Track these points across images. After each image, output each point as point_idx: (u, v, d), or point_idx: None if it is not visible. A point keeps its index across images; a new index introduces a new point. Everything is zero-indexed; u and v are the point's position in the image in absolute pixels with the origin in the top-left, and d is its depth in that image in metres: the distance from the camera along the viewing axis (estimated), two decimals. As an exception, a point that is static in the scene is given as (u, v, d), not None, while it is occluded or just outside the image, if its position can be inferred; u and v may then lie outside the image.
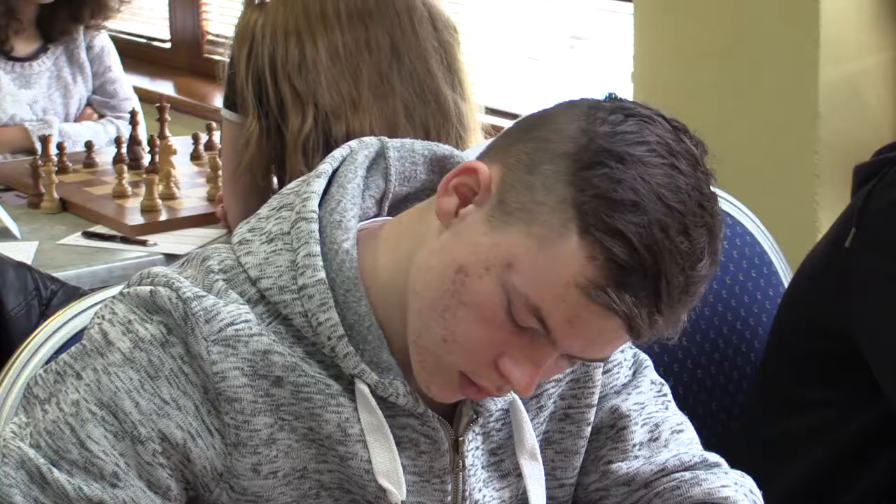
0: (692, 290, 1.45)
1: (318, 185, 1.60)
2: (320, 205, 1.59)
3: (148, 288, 1.52)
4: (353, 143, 1.68)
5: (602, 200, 1.40)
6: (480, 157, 1.56)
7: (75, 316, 1.99)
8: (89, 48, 4.13)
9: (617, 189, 1.39)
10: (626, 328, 1.41)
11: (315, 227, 1.55)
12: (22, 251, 3.13)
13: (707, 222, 1.45)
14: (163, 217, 3.48)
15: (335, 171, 1.63)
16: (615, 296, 1.39)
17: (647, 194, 1.41)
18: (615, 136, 1.44)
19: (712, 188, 1.48)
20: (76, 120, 4.09)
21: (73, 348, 1.62)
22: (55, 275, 2.75)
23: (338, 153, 1.66)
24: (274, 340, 1.50)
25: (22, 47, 4.06)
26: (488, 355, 1.47)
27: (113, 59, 4.21)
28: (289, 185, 1.66)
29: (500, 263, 1.45)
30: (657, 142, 1.46)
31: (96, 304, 1.89)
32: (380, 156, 1.63)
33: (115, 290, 1.71)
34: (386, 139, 1.67)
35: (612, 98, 1.54)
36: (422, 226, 1.55)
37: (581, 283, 1.39)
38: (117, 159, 3.67)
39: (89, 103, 4.15)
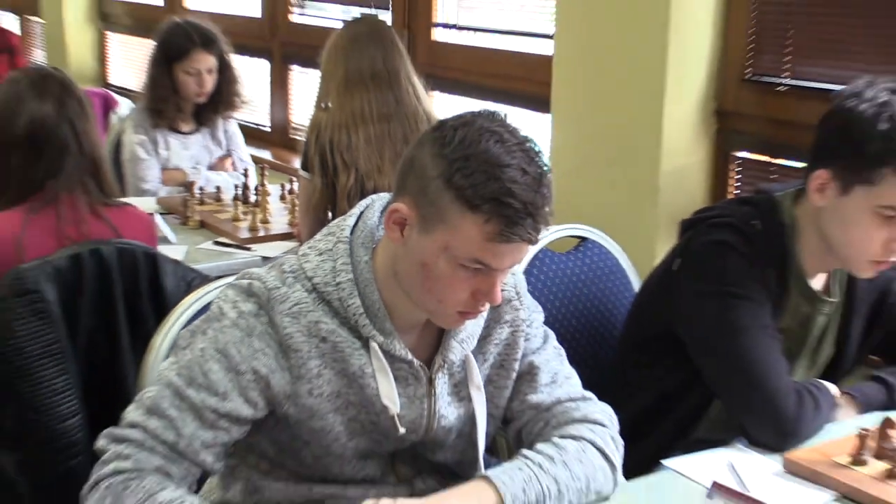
0: (546, 201, 1.86)
1: (351, 220, 2.05)
2: (351, 233, 2.03)
3: (247, 281, 1.98)
4: (373, 196, 2.12)
5: (472, 184, 1.82)
6: (393, 200, 1.97)
7: (205, 295, 2.39)
8: (224, 130, 4.80)
9: (475, 172, 1.82)
10: (528, 241, 1.85)
11: (347, 247, 2.00)
12: (176, 252, 3.54)
13: (531, 153, 1.87)
14: (261, 234, 4.12)
15: (361, 213, 2.07)
16: (509, 232, 1.83)
17: (492, 164, 1.82)
18: (454, 144, 1.85)
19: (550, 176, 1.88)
20: (213, 169, 4.75)
21: (202, 316, 2.04)
22: (195, 267, 3.12)
23: (364, 202, 2.10)
24: (321, 315, 1.95)
25: (184, 126, 4.71)
26: (466, 295, 1.91)
27: (238, 136, 4.87)
28: (334, 221, 2.08)
29: (442, 249, 1.88)
30: (479, 131, 1.86)
31: (217, 288, 2.30)
32: (384, 209, 2.05)
33: (228, 280, 2.11)
34: (390, 196, 2.05)
35: (442, 123, 1.92)
36: (391, 246, 1.98)
37: (489, 235, 1.82)
38: (235, 198, 4.29)
39: (225, 158, 4.84)
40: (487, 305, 2.02)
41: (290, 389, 1.98)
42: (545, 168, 1.88)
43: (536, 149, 1.90)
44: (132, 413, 1.96)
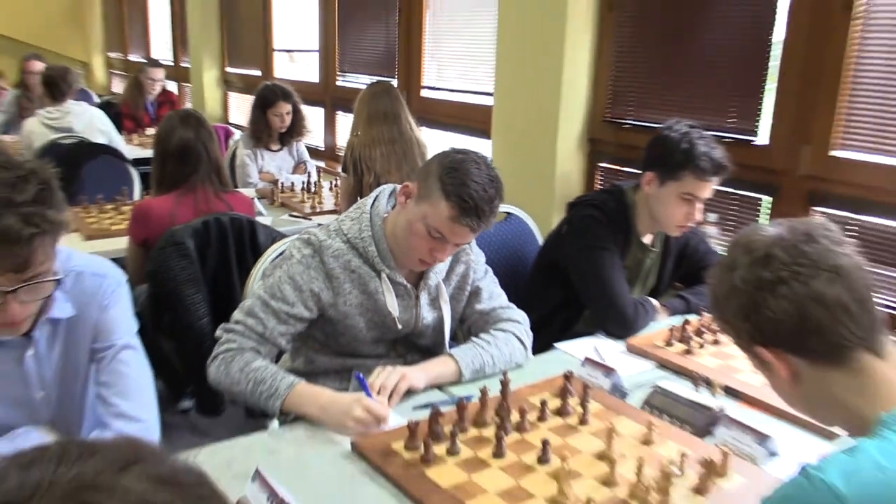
0: (493, 210, 1.84)
1: (370, 200, 2.04)
2: (371, 207, 2.02)
3: (307, 236, 1.99)
4: (384, 186, 2.12)
5: (451, 185, 1.81)
6: (409, 181, 1.94)
7: (281, 245, 2.40)
8: (297, 149, 4.75)
9: (455, 180, 1.81)
10: (471, 230, 1.84)
11: (368, 216, 2.00)
12: (266, 220, 3.47)
13: (494, 183, 1.85)
14: (317, 211, 3.94)
15: (377, 196, 2.06)
16: (461, 219, 1.82)
17: (467, 179, 1.82)
18: (452, 161, 1.85)
19: (503, 199, 1.86)
20: (292, 173, 4.72)
21: (280, 257, 2.06)
22: (278, 230, 3.10)
23: (378, 190, 2.10)
24: (352, 257, 1.96)
25: (273, 146, 4.66)
26: (427, 250, 1.89)
27: (305, 153, 4.82)
28: (360, 200, 2.09)
29: (422, 216, 1.87)
30: (470, 160, 1.85)
31: (289, 240, 2.31)
32: (392, 192, 2.07)
33: (296, 237, 2.08)
34: (396, 186, 2.05)
35: (453, 149, 1.91)
36: (394, 213, 1.99)
37: (450, 217, 1.82)
38: (303, 189, 4.19)
39: (298, 166, 4.77)
40: (438, 280, 2.05)
41: (332, 301, 1.99)
42: (498, 190, 1.86)
43: (498, 178, 1.88)
44: (237, 315, 1.97)
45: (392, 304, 2.02)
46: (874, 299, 1.13)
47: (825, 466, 0.99)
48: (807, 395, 1.16)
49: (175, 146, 3.04)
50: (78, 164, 4.30)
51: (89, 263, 1.73)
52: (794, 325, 1.11)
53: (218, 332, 1.97)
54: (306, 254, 1.98)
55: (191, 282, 2.80)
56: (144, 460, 0.66)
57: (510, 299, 2.26)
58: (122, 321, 1.74)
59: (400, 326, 2.05)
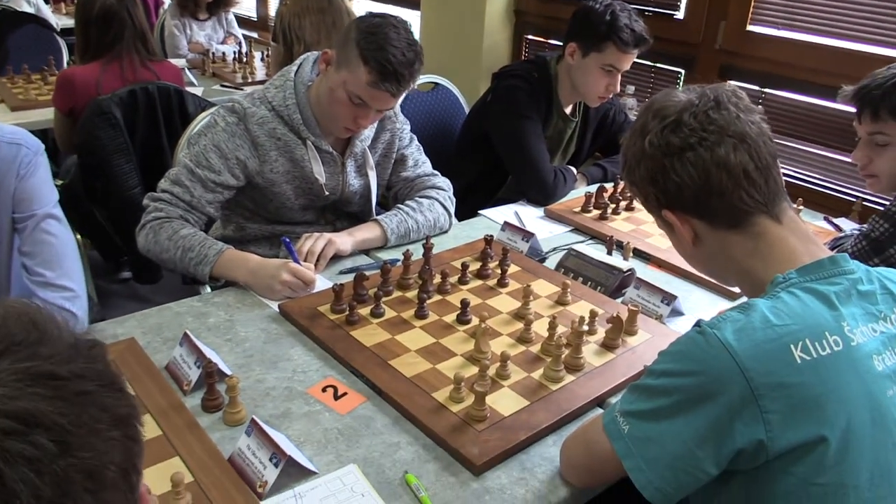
0: (412, 74, 1.76)
1: (295, 67, 1.93)
2: (295, 75, 1.91)
3: (231, 104, 1.88)
4: (308, 54, 1.99)
5: (369, 50, 1.72)
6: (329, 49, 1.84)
7: (210, 114, 2.26)
8: (226, 19, 4.45)
9: (373, 45, 1.72)
10: (391, 95, 1.76)
11: (292, 83, 1.89)
12: (197, 90, 3.35)
13: (413, 47, 1.74)
14: (248, 80, 3.75)
15: (301, 63, 1.95)
16: (380, 84, 1.73)
17: (385, 44, 1.72)
18: (370, 26, 1.75)
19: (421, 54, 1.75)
20: (221, 43, 4.41)
21: (202, 125, 2.00)
22: (209, 100, 2.93)
23: (303, 57, 1.98)
24: (277, 124, 1.87)
25: (201, 16, 4.34)
26: (351, 117, 1.82)
27: (234, 22, 4.53)
28: (285, 67, 1.97)
29: (342, 82, 1.78)
30: (388, 24, 1.75)
31: (214, 110, 2.17)
32: (316, 59, 1.94)
33: (220, 106, 2.00)
34: (318, 53, 1.93)
35: (370, 13, 1.80)
36: (317, 80, 1.88)
37: (369, 82, 1.74)
38: (234, 59, 3.97)
39: (227, 37, 4.45)
40: (363, 147, 2.00)
41: (259, 169, 1.92)
42: (417, 54, 1.78)
43: (417, 44, 1.80)
44: (163, 184, 1.90)
45: (318, 172, 1.96)
46: (777, 167, 1.11)
47: (718, 323, 0.99)
48: (707, 256, 1.15)
49: (98, 12, 2.83)
50: (3, 33, 4.04)
51: (3, 132, 1.58)
52: (698, 189, 1.08)
53: (145, 202, 1.89)
54: (231, 121, 1.88)
55: (120, 152, 2.68)
56: (16, 351, 0.57)
57: (436, 168, 2.22)
58: (42, 190, 1.62)
59: (327, 193, 2.00)
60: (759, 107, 1.14)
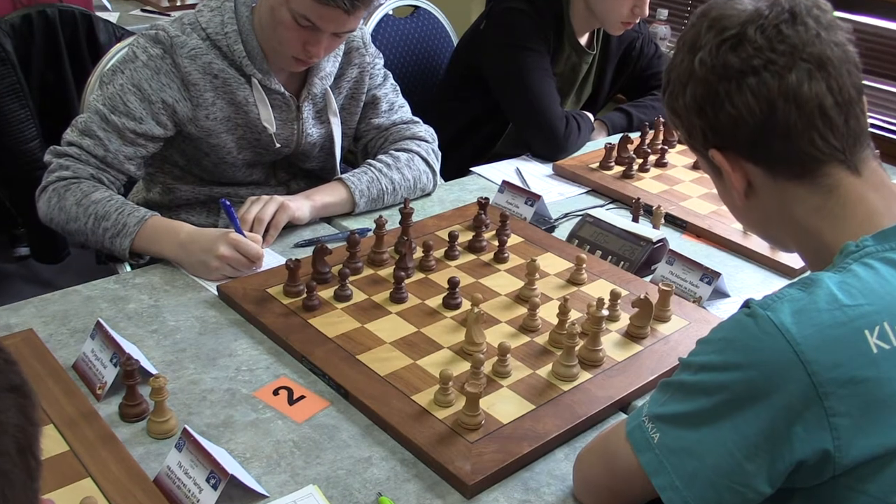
0: None
1: None
2: None
3: (154, 31, 1.87)
4: None
5: None
6: None
7: (127, 45, 2.22)
8: None
9: None
10: (343, 12, 1.72)
11: (232, 4, 1.88)
12: (111, 17, 3.32)
13: None
14: (177, 3, 3.71)
15: None
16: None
17: None
18: None
19: None
20: None
21: (119, 59, 1.97)
22: (127, 28, 2.93)
23: None
24: (213, 57, 1.86)
25: None
26: (299, 45, 1.80)
27: None
28: None
29: (284, 1, 1.75)
30: None
31: (134, 37, 2.17)
32: None
33: (140, 34, 1.96)
34: None
35: None
36: (261, 0, 1.85)
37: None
38: None
39: None
40: (325, 87, 2.00)
41: (191, 114, 1.91)
42: None
43: None
44: (69, 134, 1.89)
45: (267, 118, 1.95)
46: (862, 104, 1.08)
47: (773, 303, 0.97)
48: (761, 212, 1.13)
49: None
50: None
51: None
52: (759, 126, 1.05)
53: (47, 157, 1.89)
54: (154, 54, 1.87)
55: (12, 94, 2.66)
56: None
57: (417, 113, 2.21)
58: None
59: (278, 145, 2.00)
60: (848, 24, 1.10)
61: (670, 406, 1.03)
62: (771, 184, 1.09)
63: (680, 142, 2.45)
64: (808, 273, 1.05)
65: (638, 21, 2.49)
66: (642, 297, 1.55)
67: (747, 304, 1.00)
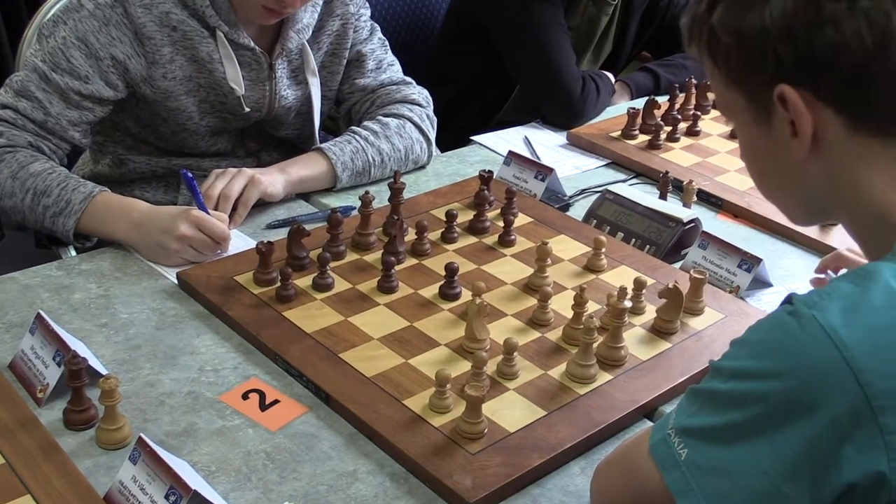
0: None
1: None
2: None
3: None
4: None
5: None
6: None
7: None
8: None
9: None
10: None
11: None
12: None
13: None
14: None
15: None
16: None
17: None
18: None
19: None
20: None
21: (61, 8, 1.94)
22: None
23: None
24: (171, 6, 1.86)
25: None
26: None
27: None
28: None
29: None
30: None
31: None
32: None
33: None
34: None
35: None
36: None
37: None
38: None
39: None
40: (303, 42, 2.02)
41: (146, 73, 1.91)
42: None
43: None
44: (2, 96, 1.89)
45: (234, 78, 1.96)
46: None
47: (821, 300, 0.94)
48: (817, 174, 1.06)
49: None
50: None
51: None
52: (865, 60, 0.96)
53: None
54: (103, 3, 1.87)
55: None
56: None
57: (410, 72, 2.22)
58: None
59: (247, 109, 2.00)
60: None
61: (699, 418, 1.01)
62: (847, 140, 1.02)
63: (714, 107, 2.43)
64: (863, 263, 1.02)
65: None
66: (671, 286, 1.54)
67: (790, 300, 0.97)
